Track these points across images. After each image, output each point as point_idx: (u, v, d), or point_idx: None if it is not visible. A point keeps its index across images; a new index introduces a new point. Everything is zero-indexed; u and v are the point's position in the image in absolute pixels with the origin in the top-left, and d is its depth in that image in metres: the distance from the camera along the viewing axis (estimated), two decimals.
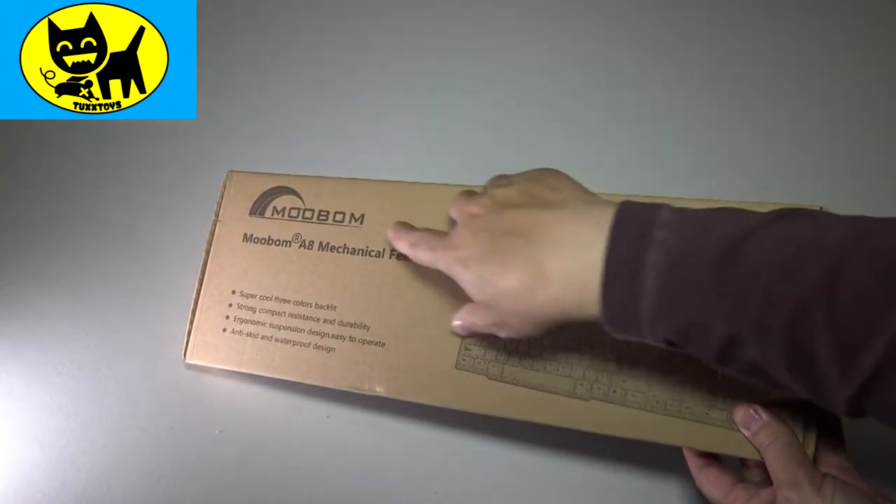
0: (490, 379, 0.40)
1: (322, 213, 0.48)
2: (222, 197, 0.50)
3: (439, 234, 0.36)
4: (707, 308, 0.27)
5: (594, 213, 0.30)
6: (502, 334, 0.34)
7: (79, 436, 0.47)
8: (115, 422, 0.47)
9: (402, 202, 0.46)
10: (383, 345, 0.43)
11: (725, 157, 0.55)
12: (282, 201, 0.49)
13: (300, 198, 0.49)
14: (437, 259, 0.35)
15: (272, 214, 0.49)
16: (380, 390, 0.42)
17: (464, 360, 0.41)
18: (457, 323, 0.36)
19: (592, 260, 0.29)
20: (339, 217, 0.48)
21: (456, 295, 0.42)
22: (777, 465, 0.32)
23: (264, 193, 0.50)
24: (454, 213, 0.36)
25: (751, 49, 0.58)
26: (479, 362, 0.41)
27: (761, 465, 0.35)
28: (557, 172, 0.35)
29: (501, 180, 0.36)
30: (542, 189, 0.33)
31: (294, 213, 0.49)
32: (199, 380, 0.49)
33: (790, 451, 0.33)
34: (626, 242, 0.28)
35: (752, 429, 0.34)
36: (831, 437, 0.35)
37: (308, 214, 0.48)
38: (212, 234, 0.49)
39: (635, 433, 0.36)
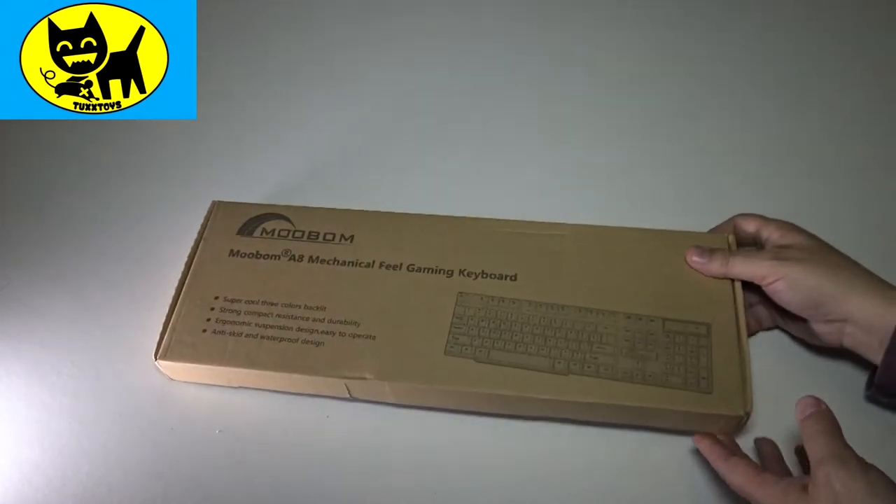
0: (477, 362, 0.42)
1: (312, 233, 0.49)
2: (207, 221, 0.50)
3: None
4: None
5: None
6: None
7: (79, 436, 0.46)
8: (115, 422, 0.47)
9: (390, 228, 0.48)
10: (374, 338, 0.44)
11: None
12: (271, 224, 0.49)
13: (290, 222, 0.49)
14: None
15: (261, 234, 0.49)
16: (369, 376, 0.42)
17: (452, 346, 0.43)
18: None
19: None
20: (329, 237, 0.48)
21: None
22: (821, 441, 0.34)
23: (253, 219, 0.50)
24: None
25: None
26: (467, 349, 0.43)
27: (780, 462, 0.40)
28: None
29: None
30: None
31: (284, 233, 0.49)
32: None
33: (836, 434, 0.35)
34: None
35: (807, 412, 0.36)
36: None
37: (298, 234, 0.49)
38: (194, 251, 0.49)
39: (611, 398, 0.41)
